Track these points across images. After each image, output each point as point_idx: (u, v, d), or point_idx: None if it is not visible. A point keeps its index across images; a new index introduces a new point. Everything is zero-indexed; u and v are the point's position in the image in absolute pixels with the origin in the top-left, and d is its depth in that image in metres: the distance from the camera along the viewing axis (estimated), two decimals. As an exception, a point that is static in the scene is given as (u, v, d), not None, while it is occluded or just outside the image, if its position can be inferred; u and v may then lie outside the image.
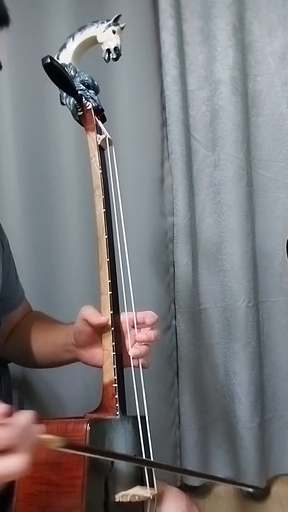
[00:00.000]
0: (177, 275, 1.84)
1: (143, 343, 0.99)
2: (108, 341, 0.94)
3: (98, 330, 0.98)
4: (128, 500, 0.86)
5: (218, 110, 1.81)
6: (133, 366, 0.97)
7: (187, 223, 1.82)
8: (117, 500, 0.85)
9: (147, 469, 0.93)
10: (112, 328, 0.94)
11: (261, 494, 1.87)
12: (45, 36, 1.70)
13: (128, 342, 1.00)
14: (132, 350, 0.97)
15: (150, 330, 1.01)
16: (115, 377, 0.91)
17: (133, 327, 1.00)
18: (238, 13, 1.80)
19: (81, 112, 1.05)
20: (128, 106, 1.81)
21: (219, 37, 1.80)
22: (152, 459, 0.95)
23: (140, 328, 1.02)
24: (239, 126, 1.80)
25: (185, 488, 1.85)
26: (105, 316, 0.96)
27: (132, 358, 0.97)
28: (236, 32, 1.80)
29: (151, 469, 0.93)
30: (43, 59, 0.96)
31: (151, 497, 0.90)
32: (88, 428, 0.78)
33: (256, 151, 1.86)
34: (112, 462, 0.85)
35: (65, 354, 1.11)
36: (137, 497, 0.87)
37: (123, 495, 0.86)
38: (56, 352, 1.14)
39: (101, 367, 0.99)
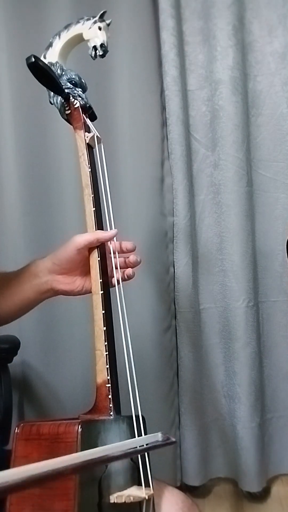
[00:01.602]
0: (177, 275, 1.84)
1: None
2: (100, 341, 0.93)
3: (86, 262, 1.00)
4: (123, 501, 0.85)
5: (218, 110, 1.81)
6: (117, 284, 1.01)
7: (187, 223, 1.82)
8: (112, 501, 0.85)
9: (143, 469, 0.92)
10: (104, 328, 0.93)
11: (261, 494, 1.87)
12: (45, 36, 1.68)
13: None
14: (133, 257, 1.04)
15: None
16: (108, 377, 0.91)
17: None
18: (238, 13, 1.81)
19: (69, 111, 1.04)
20: (128, 106, 1.82)
21: (219, 37, 1.80)
22: (148, 459, 0.94)
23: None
24: (239, 126, 1.80)
25: (185, 488, 1.85)
26: (112, 230, 1.00)
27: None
28: (236, 32, 1.80)
29: (147, 469, 0.93)
30: (27, 59, 0.95)
31: (147, 498, 0.89)
32: (80, 430, 0.78)
33: (256, 151, 1.86)
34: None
35: (39, 298, 1.09)
36: (132, 498, 0.86)
37: (118, 496, 0.85)
38: (27, 305, 1.11)
39: (77, 294, 1.03)
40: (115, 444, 0.77)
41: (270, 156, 1.86)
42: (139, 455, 0.92)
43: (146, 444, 0.77)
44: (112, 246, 1.03)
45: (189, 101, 1.86)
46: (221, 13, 1.79)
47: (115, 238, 1.01)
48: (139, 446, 0.76)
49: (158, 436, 0.79)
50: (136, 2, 1.81)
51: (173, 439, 0.75)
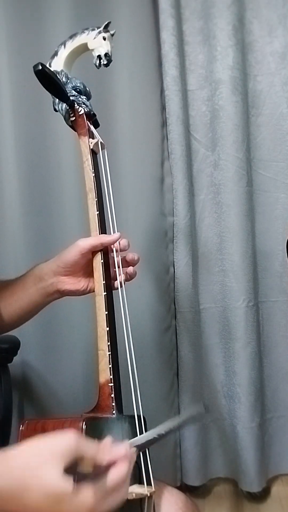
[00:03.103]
0: (177, 275, 1.84)
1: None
2: (103, 341, 0.95)
3: (90, 263, 1.02)
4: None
5: (218, 110, 1.81)
6: (120, 285, 1.03)
7: (187, 223, 1.83)
8: (114, 498, 0.86)
9: (144, 467, 0.93)
10: (107, 329, 0.94)
11: (261, 494, 1.87)
12: (46, 37, 1.70)
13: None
14: (130, 269, 1.06)
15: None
16: (111, 377, 0.92)
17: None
18: (238, 13, 1.80)
19: (73, 118, 1.08)
20: (128, 106, 1.82)
21: (219, 37, 1.80)
22: (149, 458, 0.95)
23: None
24: (239, 126, 1.80)
25: (185, 488, 1.86)
26: (115, 234, 1.02)
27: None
28: (236, 32, 1.80)
29: (148, 468, 0.94)
30: (34, 66, 0.98)
31: (148, 494, 0.90)
32: (84, 426, 0.79)
33: (256, 151, 1.86)
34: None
35: (46, 301, 1.11)
36: (134, 495, 0.88)
37: (120, 493, 0.86)
38: (33, 309, 1.13)
39: (82, 293, 1.06)
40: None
41: (270, 156, 1.86)
42: (141, 454, 0.93)
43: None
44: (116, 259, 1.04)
45: (189, 101, 1.86)
46: (221, 13, 1.79)
47: (118, 241, 1.02)
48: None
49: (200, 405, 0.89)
50: (136, 2, 1.81)
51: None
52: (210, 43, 1.82)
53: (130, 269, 1.06)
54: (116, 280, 1.03)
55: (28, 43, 1.71)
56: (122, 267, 1.04)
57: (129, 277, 1.06)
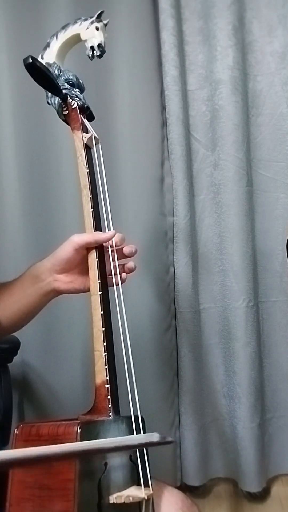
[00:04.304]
0: (177, 275, 1.84)
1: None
2: (99, 341, 0.94)
3: (86, 260, 1.01)
4: (122, 501, 0.86)
5: (218, 110, 1.81)
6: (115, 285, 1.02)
7: (187, 223, 1.82)
8: (111, 501, 0.85)
9: (142, 469, 0.93)
10: (103, 329, 0.94)
11: (261, 494, 1.86)
12: (46, 37, 1.69)
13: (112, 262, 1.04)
14: (131, 263, 1.06)
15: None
16: (107, 378, 0.92)
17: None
18: (238, 13, 1.80)
19: (67, 111, 1.06)
20: (128, 106, 1.82)
21: (219, 37, 1.80)
22: (147, 458, 0.94)
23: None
24: (239, 126, 1.80)
25: (185, 488, 1.85)
26: (110, 232, 1.01)
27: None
28: (236, 32, 1.80)
29: (146, 469, 0.94)
30: (24, 59, 0.96)
31: (146, 498, 0.90)
32: (79, 430, 0.78)
33: (256, 151, 1.86)
34: (106, 464, 0.85)
35: (44, 301, 1.10)
36: (131, 498, 0.87)
37: (117, 497, 0.86)
38: (33, 310, 1.12)
39: (78, 292, 1.05)
40: (109, 439, 0.77)
41: (270, 156, 1.86)
42: (138, 455, 0.92)
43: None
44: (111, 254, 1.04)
45: (189, 101, 1.86)
46: (221, 13, 1.79)
47: (113, 239, 1.01)
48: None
49: (154, 436, 0.80)
50: (136, 2, 1.81)
51: (171, 439, 0.76)
52: (210, 43, 1.82)
53: (131, 263, 1.06)
54: (114, 274, 1.03)
55: (28, 43, 1.70)
56: (119, 260, 1.04)
57: (128, 271, 1.05)
